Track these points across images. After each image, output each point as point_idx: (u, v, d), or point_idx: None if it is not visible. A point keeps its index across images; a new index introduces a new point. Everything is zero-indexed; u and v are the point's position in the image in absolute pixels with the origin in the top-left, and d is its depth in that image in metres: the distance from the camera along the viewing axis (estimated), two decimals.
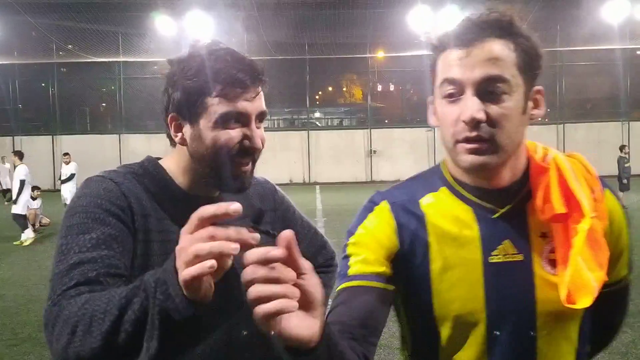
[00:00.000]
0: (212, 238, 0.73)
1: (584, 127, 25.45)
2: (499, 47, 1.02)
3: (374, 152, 25.43)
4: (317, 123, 28.85)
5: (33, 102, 26.28)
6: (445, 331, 1.10)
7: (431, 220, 1.12)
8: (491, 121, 1.02)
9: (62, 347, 0.92)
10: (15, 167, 11.94)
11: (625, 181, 14.07)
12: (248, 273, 0.72)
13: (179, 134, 1.22)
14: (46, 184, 18.58)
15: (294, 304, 0.72)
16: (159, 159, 1.29)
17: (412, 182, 1.20)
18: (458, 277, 1.09)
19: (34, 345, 5.07)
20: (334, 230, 10.16)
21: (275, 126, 28.50)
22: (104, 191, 1.13)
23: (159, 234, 1.17)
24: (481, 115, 1.01)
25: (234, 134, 1.17)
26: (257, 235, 0.74)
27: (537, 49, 1.06)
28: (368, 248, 1.10)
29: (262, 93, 1.21)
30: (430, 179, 1.18)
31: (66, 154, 14.08)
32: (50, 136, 25.07)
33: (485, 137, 1.02)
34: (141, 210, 1.16)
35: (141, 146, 21.96)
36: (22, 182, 11.32)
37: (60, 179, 13.90)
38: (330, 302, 1.11)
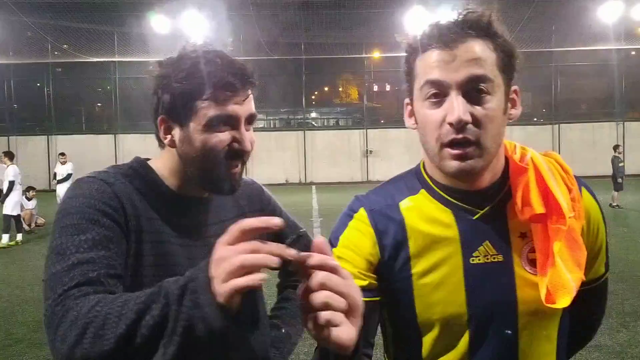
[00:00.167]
0: (256, 251, 0.75)
1: (578, 128, 25.52)
2: (480, 47, 1.02)
3: (370, 152, 25.44)
4: (314, 123, 28.83)
5: (28, 102, 26.18)
6: (428, 334, 1.10)
7: (410, 224, 1.11)
8: (476, 122, 1.01)
9: (69, 347, 0.92)
10: (6, 167, 11.91)
11: (619, 180, 14.15)
12: (319, 279, 0.74)
13: (169, 136, 1.22)
14: (41, 184, 18.51)
15: (342, 315, 0.74)
16: (148, 159, 1.29)
17: (392, 185, 1.19)
18: (439, 279, 1.09)
19: (29, 346, 5.06)
20: (330, 230, 10.13)
21: (272, 126, 28.48)
22: (96, 192, 1.13)
23: (151, 234, 1.17)
24: (467, 117, 1.00)
25: (224, 136, 1.18)
26: (294, 251, 0.76)
27: (513, 49, 1.06)
28: (352, 263, 1.10)
29: (251, 96, 1.22)
30: (410, 181, 1.17)
31: (63, 154, 14.03)
32: (46, 136, 24.99)
33: (472, 139, 1.01)
34: (133, 211, 1.16)
35: (137, 146, 21.91)
36: (12, 183, 11.28)
37: (55, 178, 13.85)
38: None
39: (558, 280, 1.03)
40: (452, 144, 1.02)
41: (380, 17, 21.70)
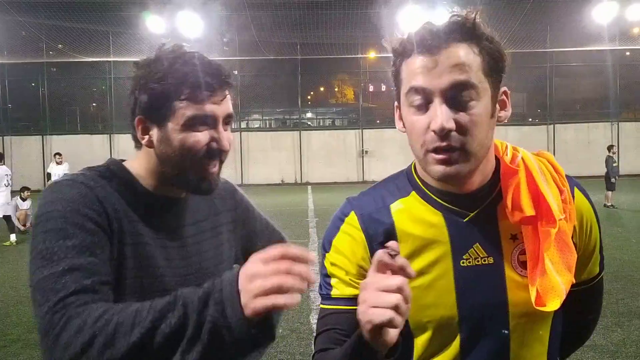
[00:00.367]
0: (289, 272, 0.84)
1: (573, 128, 25.62)
2: (464, 52, 1.00)
3: (366, 152, 25.46)
4: (309, 123, 28.84)
5: (23, 101, 26.09)
6: (419, 336, 1.10)
7: (401, 227, 1.11)
8: (461, 129, 1.00)
9: (72, 355, 0.93)
10: None
11: (613, 180, 14.23)
12: (395, 282, 0.85)
13: (146, 136, 1.22)
14: (36, 184, 18.41)
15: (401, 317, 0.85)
16: (123, 160, 1.30)
17: (383, 186, 1.19)
18: (430, 282, 1.09)
19: (24, 347, 5.03)
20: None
21: (267, 126, 28.47)
22: (78, 196, 1.12)
23: (132, 236, 1.18)
24: (451, 124, 0.99)
25: (202, 136, 1.18)
26: (313, 278, 0.86)
27: (500, 51, 1.05)
28: (345, 269, 1.11)
29: (229, 96, 1.23)
30: (401, 183, 1.17)
31: (59, 154, 13.99)
32: (40, 136, 24.90)
33: (456, 146, 1.00)
34: (115, 214, 1.16)
35: (131, 146, 21.26)
36: None
37: (50, 179, 13.80)
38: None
39: (548, 283, 1.03)
40: (436, 151, 1.02)
41: (376, 17, 21.72)
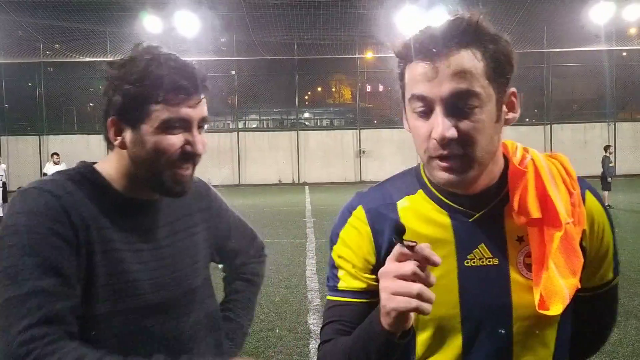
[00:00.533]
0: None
1: (570, 128, 25.69)
2: (466, 58, 0.97)
3: (363, 152, 25.48)
4: (307, 123, 28.84)
5: (19, 101, 26.04)
6: (420, 336, 1.10)
7: (406, 224, 1.08)
8: (463, 137, 0.98)
9: None
10: None
11: (609, 180, 14.28)
12: (409, 268, 0.89)
13: (119, 138, 1.21)
14: None
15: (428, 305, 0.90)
16: (94, 163, 1.28)
17: (392, 183, 1.19)
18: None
19: None
20: (323, 230, 10.04)
21: (264, 126, 28.46)
22: (44, 208, 1.11)
23: (100, 244, 1.16)
24: (452, 133, 0.97)
25: (176, 139, 1.18)
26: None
27: (506, 51, 1.01)
28: (352, 263, 1.11)
29: (204, 100, 1.22)
30: (409, 181, 1.16)
31: (56, 154, 13.94)
32: (37, 136, 24.86)
33: (459, 154, 0.99)
34: (81, 223, 1.14)
35: None
36: None
37: None
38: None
39: (551, 287, 1.02)
40: (439, 158, 1.01)
41: (373, 17, 21.74)
